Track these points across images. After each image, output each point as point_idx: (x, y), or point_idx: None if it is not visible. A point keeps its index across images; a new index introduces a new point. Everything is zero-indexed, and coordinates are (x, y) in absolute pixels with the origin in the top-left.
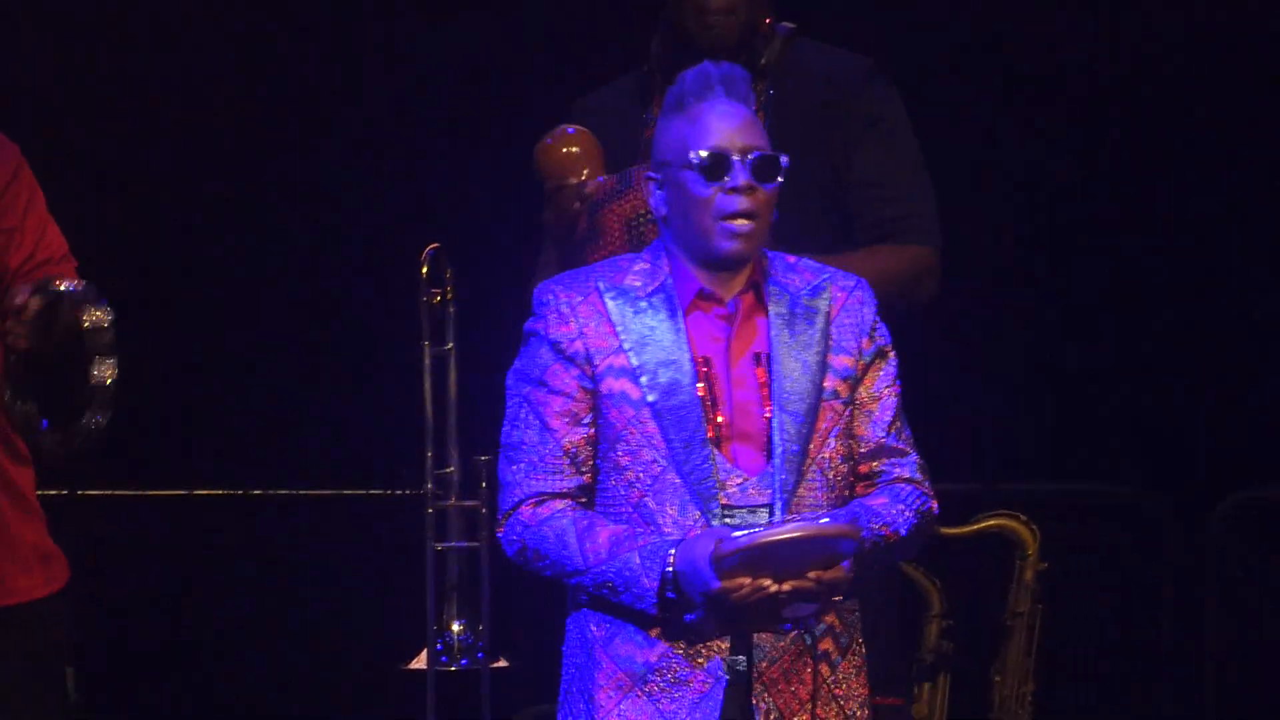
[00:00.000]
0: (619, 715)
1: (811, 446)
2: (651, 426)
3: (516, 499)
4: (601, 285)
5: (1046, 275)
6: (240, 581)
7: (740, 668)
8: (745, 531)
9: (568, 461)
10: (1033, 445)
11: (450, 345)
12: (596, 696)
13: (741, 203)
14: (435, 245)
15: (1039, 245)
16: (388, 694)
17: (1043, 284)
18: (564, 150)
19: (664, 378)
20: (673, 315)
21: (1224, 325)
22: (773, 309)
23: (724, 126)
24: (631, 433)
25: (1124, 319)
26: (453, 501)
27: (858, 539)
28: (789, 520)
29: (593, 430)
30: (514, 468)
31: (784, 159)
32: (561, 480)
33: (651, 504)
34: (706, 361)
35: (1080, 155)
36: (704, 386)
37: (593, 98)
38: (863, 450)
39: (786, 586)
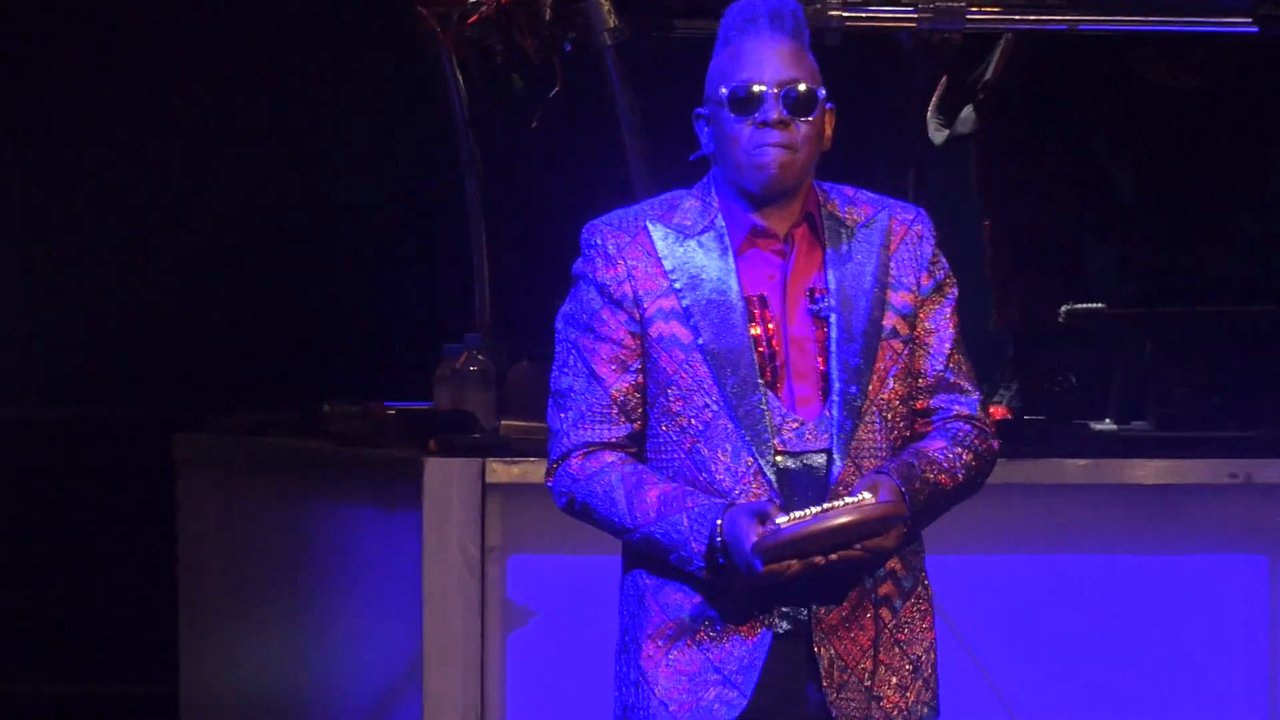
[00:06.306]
0: (668, 664)
1: (870, 388)
2: (703, 370)
3: (565, 449)
4: (650, 224)
5: None
6: None
7: (801, 618)
8: (789, 520)
9: (616, 410)
10: None
11: None
12: (645, 646)
13: (771, 136)
14: None
15: None
16: None
17: None
18: None
19: (715, 319)
20: (724, 254)
21: None
22: (829, 244)
23: (759, 59)
24: (682, 377)
25: None
26: None
27: (903, 514)
28: (833, 504)
29: (641, 377)
30: (562, 415)
31: (820, 92)
32: (610, 429)
33: (704, 450)
34: (761, 300)
35: None
36: (758, 326)
37: None
38: (920, 385)
39: (834, 557)
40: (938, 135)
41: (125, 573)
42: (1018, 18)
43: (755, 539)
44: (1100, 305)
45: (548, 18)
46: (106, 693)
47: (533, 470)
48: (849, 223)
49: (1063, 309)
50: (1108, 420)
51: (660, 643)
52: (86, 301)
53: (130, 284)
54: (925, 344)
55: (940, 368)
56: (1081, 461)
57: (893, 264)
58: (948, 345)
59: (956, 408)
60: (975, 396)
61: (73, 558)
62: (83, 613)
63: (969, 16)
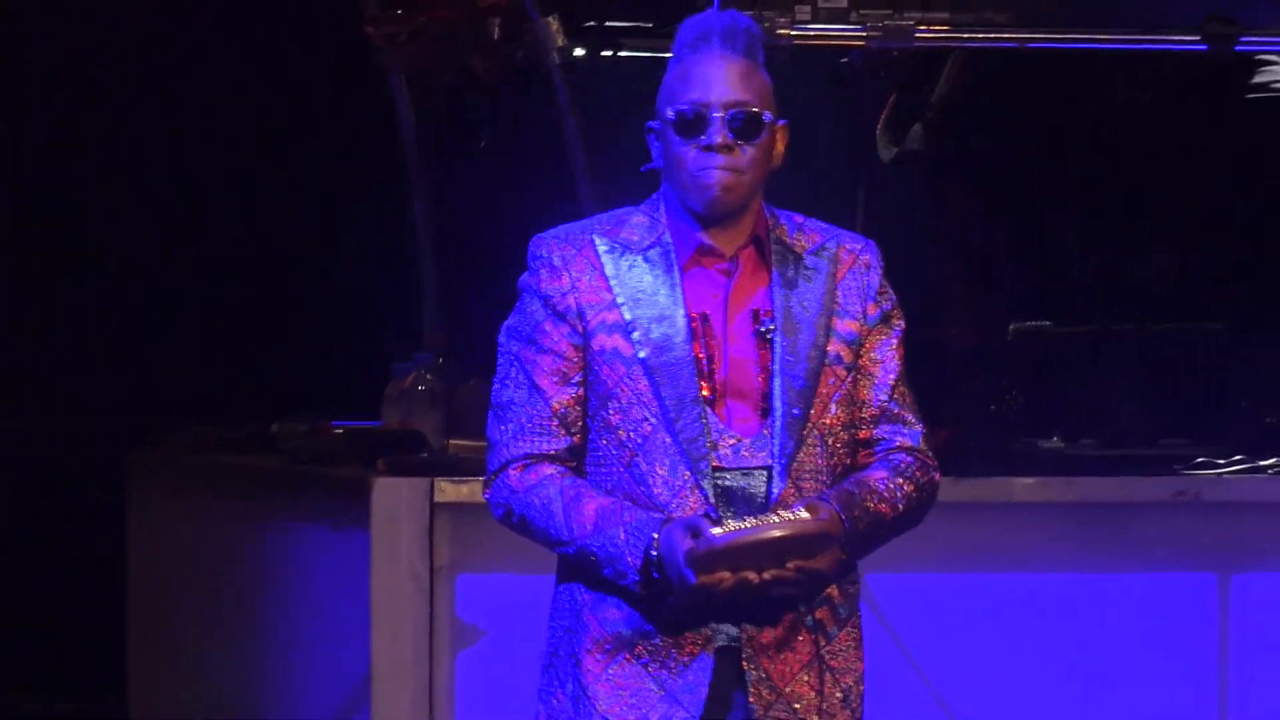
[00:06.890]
0: (607, 679)
1: (813, 411)
2: (643, 384)
3: (503, 460)
4: (597, 238)
5: None
6: None
7: (734, 633)
8: (722, 530)
9: (556, 422)
10: None
11: None
12: (584, 660)
13: (715, 159)
14: None
15: None
16: None
17: None
18: None
19: (656, 334)
20: (669, 270)
21: None
22: (776, 267)
23: (707, 80)
24: (623, 390)
25: None
26: None
27: (838, 534)
28: (768, 516)
29: (582, 390)
30: (502, 428)
31: (767, 115)
32: (550, 441)
33: (643, 464)
34: (703, 318)
35: None
36: (699, 344)
37: None
38: (864, 415)
39: (768, 575)
40: (887, 153)
41: (74, 589)
42: (967, 35)
43: (688, 548)
44: (1047, 323)
45: (496, 37)
46: (54, 712)
47: (481, 490)
48: (797, 248)
49: (1010, 327)
50: (1055, 438)
51: (599, 657)
52: (34, 314)
53: (78, 298)
54: (870, 374)
55: (884, 398)
56: (1029, 479)
57: (839, 291)
58: (893, 376)
59: (899, 439)
60: (918, 429)
61: (21, 572)
62: (31, 629)
63: (918, 35)
